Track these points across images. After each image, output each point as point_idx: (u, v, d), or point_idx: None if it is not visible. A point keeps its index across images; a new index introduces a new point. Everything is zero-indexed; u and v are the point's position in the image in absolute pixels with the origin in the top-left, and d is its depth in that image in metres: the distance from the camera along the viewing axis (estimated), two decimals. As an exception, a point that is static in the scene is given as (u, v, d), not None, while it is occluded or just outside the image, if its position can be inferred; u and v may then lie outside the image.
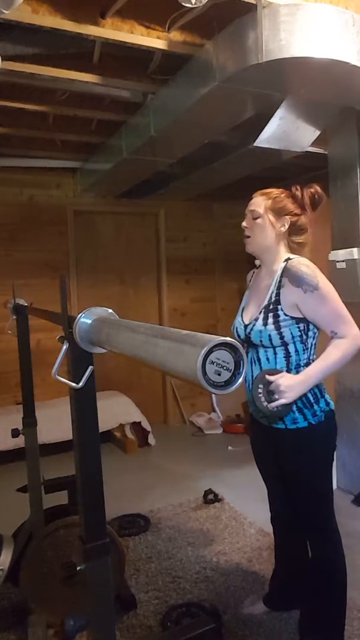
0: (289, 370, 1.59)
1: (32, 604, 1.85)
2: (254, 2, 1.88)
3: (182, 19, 2.09)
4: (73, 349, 0.89)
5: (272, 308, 1.59)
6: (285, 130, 2.69)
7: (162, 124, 2.70)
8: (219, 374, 0.57)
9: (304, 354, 1.60)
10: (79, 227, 4.50)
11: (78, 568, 0.94)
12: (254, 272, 1.86)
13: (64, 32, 2.04)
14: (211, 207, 5.06)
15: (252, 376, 1.65)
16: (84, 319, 0.88)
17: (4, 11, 1.71)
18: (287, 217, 1.66)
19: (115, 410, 4.09)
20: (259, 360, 1.64)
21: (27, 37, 2.18)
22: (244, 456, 3.79)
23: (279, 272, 1.62)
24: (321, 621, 1.73)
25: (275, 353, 1.60)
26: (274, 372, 1.56)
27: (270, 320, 1.58)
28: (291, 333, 1.57)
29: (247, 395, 1.70)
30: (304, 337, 1.59)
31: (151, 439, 4.23)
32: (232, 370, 0.58)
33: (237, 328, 1.73)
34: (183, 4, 1.79)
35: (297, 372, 1.59)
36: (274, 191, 1.69)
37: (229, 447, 4.10)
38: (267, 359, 1.62)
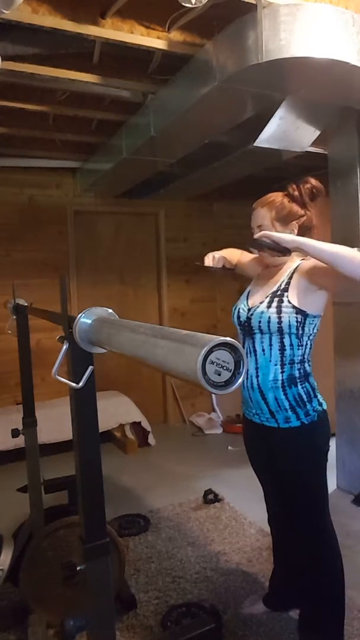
0: (282, 365, 1.60)
1: (32, 604, 1.85)
2: (254, 2, 1.88)
3: (182, 19, 2.09)
4: (73, 349, 0.89)
5: (279, 294, 1.60)
6: (285, 130, 2.69)
7: (162, 124, 2.70)
8: (219, 374, 0.57)
9: (298, 349, 1.60)
10: (79, 227, 4.50)
11: (78, 568, 0.94)
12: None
13: (64, 32, 2.04)
14: (211, 207, 5.06)
15: (248, 369, 1.65)
16: (84, 319, 0.88)
17: (4, 11, 1.71)
18: (294, 222, 1.66)
19: (115, 410, 4.09)
20: (254, 351, 1.64)
21: (27, 37, 2.18)
22: (244, 456, 3.76)
23: (292, 268, 1.64)
24: (320, 621, 1.73)
25: (270, 344, 1.60)
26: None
27: (274, 304, 1.59)
28: (289, 321, 1.57)
29: (242, 392, 1.70)
30: (300, 331, 1.58)
31: (151, 439, 4.23)
32: (232, 370, 0.58)
33: (239, 310, 1.73)
34: (183, 4, 1.79)
35: (291, 369, 1.60)
36: (275, 199, 1.68)
37: (229, 447, 4.10)
38: (263, 350, 1.62)
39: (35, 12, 1.96)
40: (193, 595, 2.12)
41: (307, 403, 1.60)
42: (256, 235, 1.55)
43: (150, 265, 4.89)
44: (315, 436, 1.63)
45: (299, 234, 1.67)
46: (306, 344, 1.62)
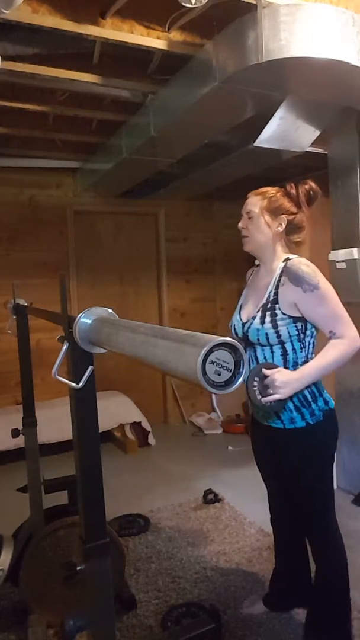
0: (286, 368, 1.59)
1: (32, 604, 1.85)
2: (254, 2, 1.88)
3: (182, 19, 2.09)
4: (73, 349, 0.89)
5: (270, 307, 1.59)
6: (285, 130, 2.69)
7: (162, 124, 2.69)
8: (219, 374, 0.57)
9: (301, 352, 1.60)
10: (79, 227, 4.50)
11: (78, 568, 0.94)
12: (252, 271, 1.85)
13: (64, 32, 2.04)
14: (211, 207, 5.06)
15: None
16: (84, 319, 0.88)
17: (4, 11, 1.71)
18: (284, 216, 1.65)
19: (115, 410, 4.09)
20: (256, 359, 1.64)
21: (27, 37, 2.18)
22: (244, 456, 3.79)
23: (278, 272, 1.62)
24: (326, 621, 1.73)
25: (272, 352, 1.60)
26: (271, 366, 1.55)
27: (268, 318, 1.58)
28: (288, 332, 1.57)
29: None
30: (302, 335, 1.59)
31: (151, 439, 4.23)
32: (232, 370, 0.58)
33: (234, 326, 1.73)
34: (183, 4, 1.79)
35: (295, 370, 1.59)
36: (269, 191, 1.69)
37: (229, 447, 4.10)
38: (265, 357, 1.62)
39: (35, 12, 1.96)
40: (193, 595, 2.12)
41: (312, 403, 1.60)
42: (268, 379, 1.52)
43: (150, 265, 4.89)
44: (321, 436, 1.63)
45: (287, 232, 1.67)
46: (309, 344, 1.62)
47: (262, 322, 1.58)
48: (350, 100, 2.47)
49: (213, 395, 4.81)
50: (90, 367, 0.89)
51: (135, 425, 4.19)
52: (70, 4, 2.01)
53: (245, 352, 1.68)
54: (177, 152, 3.18)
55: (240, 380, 0.59)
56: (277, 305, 1.58)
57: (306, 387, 1.59)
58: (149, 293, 4.89)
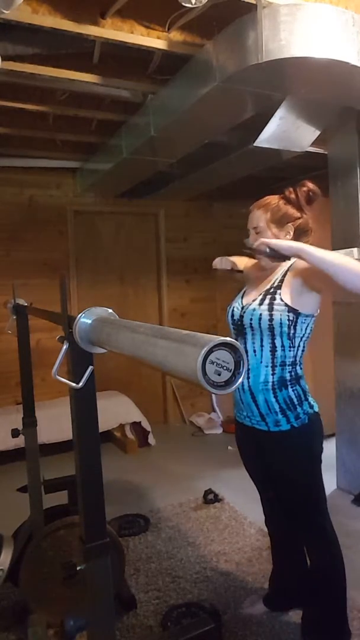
0: (273, 367, 1.59)
1: (32, 604, 1.85)
2: (254, 2, 1.88)
3: (182, 19, 2.09)
4: (73, 349, 0.89)
5: (272, 291, 1.60)
6: (285, 130, 2.69)
7: (162, 124, 2.70)
8: (219, 374, 0.57)
9: (290, 351, 1.59)
10: (79, 227, 4.50)
11: (78, 568, 0.94)
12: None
13: (64, 32, 2.04)
14: (211, 207, 5.06)
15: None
16: (84, 319, 0.88)
17: (4, 11, 1.71)
18: (290, 224, 1.66)
19: (115, 410, 4.09)
20: (245, 351, 1.63)
21: (27, 37, 2.18)
22: (244, 456, 3.79)
23: (286, 267, 1.63)
24: (323, 621, 1.73)
25: (262, 345, 1.60)
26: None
27: (266, 301, 1.59)
28: (280, 319, 1.56)
29: (234, 393, 1.69)
30: (291, 330, 1.58)
31: (151, 439, 4.23)
32: (232, 370, 0.58)
33: (233, 308, 1.73)
34: (183, 4, 1.79)
35: (282, 371, 1.59)
36: (271, 201, 1.69)
37: (229, 447, 4.09)
38: (254, 350, 1.61)
39: (35, 12, 1.96)
40: (193, 595, 2.12)
41: (297, 406, 1.59)
42: (255, 244, 1.55)
43: (150, 265, 4.89)
44: (307, 439, 1.62)
45: (294, 237, 1.67)
46: (298, 346, 1.61)
47: (260, 304, 1.59)
48: (350, 100, 2.47)
49: (213, 395, 4.81)
50: (90, 367, 0.89)
51: (135, 425, 4.19)
52: (70, 4, 2.01)
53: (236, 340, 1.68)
54: (177, 152, 3.18)
55: (240, 380, 0.59)
56: (278, 291, 1.59)
57: (292, 389, 1.59)
58: (149, 293, 4.89)
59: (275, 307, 1.57)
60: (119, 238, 4.76)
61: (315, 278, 1.53)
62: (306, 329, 1.61)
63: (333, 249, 2.92)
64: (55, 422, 3.23)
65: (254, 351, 1.62)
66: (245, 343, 1.65)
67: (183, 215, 4.93)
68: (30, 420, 2.00)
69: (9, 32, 2.13)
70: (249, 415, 1.66)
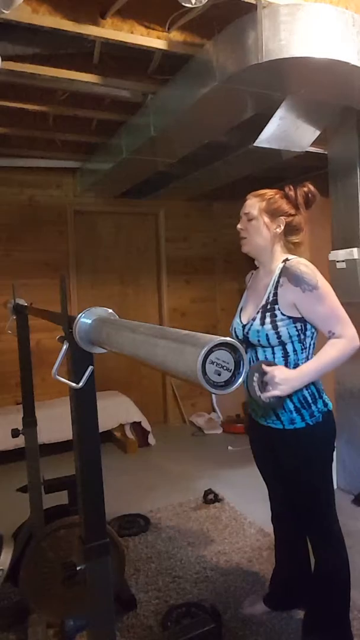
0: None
1: (32, 604, 1.85)
2: (254, 2, 1.88)
3: (182, 19, 2.09)
4: (73, 349, 0.89)
5: (270, 308, 1.59)
6: (285, 130, 2.69)
7: (162, 124, 2.70)
8: (219, 374, 0.57)
9: (302, 353, 1.60)
10: (79, 227, 4.50)
11: (78, 568, 0.94)
12: (252, 274, 1.86)
13: (64, 32, 2.04)
14: (211, 207, 5.06)
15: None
16: (84, 319, 0.88)
17: (4, 11, 1.71)
18: (282, 217, 1.66)
19: (115, 410, 4.09)
20: (257, 360, 1.64)
21: (27, 37, 2.18)
22: (244, 456, 3.78)
23: (277, 272, 1.62)
24: (326, 621, 1.73)
25: (273, 353, 1.60)
26: (271, 363, 1.56)
27: (268, 319, 1.58)
28: (288, 332, 1.57)
29: (247, 395, 1.70)
30: (302, 336, 1.59)
31: (151, 439, 4.23)
32: (232, 370, 0.58)
33: (235, 328, 1.73)
34: (183, 4, 1.79)
35: None
36: (268, 192, 1.70)
37: (229, 447, 4.10)
38: (266, 359, 1.62)
39: (35, 12, 1.96)
40: (193, 595, 2.12)
41: (311, 404, 1.60)
42: (267, 376, 1.53)
43: (150, 265, 4.89)
44: (320, 437, 1.64)
45: (285, 233, 1.68)
46: (309, 346, 1.62)
47: (262, 323, 1.59)
48: (350, 100, 2.47)
49: (213, 395, 4.81)
50: (90, 367, 0.89)
51: (135, 425, 4.19)
52: (70, 4, 2.01)
53: (247, 353, 1.69)
54: (177, 152, 3.18)
55: (240, 380, 0.58)
56: (276, 306, 1.58)
57: (306, 388, 1.59)
58: (149, 293, 4.89)
59: (279, 323, 1.57)
60: (119, 238, 4.76)
61: (304, 313, 1.58)
62: (313, 327, 1.62)
63: (333, 249, 2.93)
64: (55, 422, 3.23)
65: (266, 359, 1.62)
66: (256, 353, 1.65)
67: (183, 215, 4.93)
68: (30, 420, 2.00)
69: (9, 32, 2.13)
70: (263, 414, 1.67)
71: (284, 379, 1.51)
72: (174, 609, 2.02)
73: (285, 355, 1.59)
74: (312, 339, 1.62)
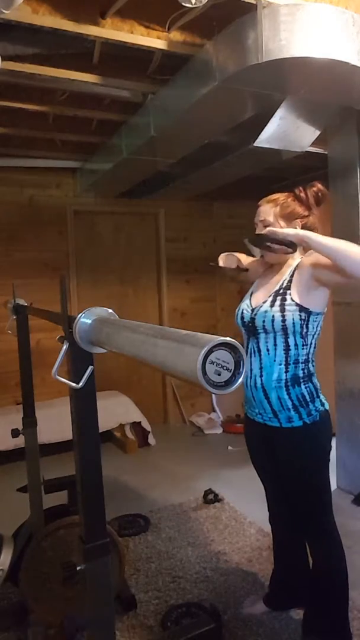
0: (287, 365, 1.60)
1: (32, 604, 1.85)
2: (254, 2, 1.88)
3: (182, 19, 2.09)
4: (73, 349, 0.89)
5: (282, 292, 1.61)
6: (285, 130, 2.69)
7: (162, 124, 2.69)
8: (219, 374, 0.57)
9: (303, 349, 1.61)
10: (79, 227, 4.50)
11: (78, 568, 0.94)
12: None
13: (64, 32, 2.04)
14: (211, 207, 5.06)
15: (252, 368, 1.66)
16: (84, 319, 0.88)
17: (4, 11, 1.71)
18: (297, 220, 1.68)
19: (115, 410, 4.09)
20: (259, 350, 1.65)
21: (27, 37, 2.18)
22: (244, 456, 3.75)
23: (293, 266, 1.65)
24: (324, 622, 1.73)
25: (275, 344, 1.61)
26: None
27: (277, 302, 1.60)
28: (293, 319, 1.57)
29: (246, 391, 1.71)
30: (304, 329, 1.59)
31: (151, 439, 4.23)
32: (232, 370, 0.58)
33: (243, 311, 1.74)
34: (183, 4, 1.79)
35: (295, 369, 1.60)
36: (280, 197, 1.71)
37: (229, 447, 4.10)
38: (267, 349, 1.62)
39: (35, 12, 1.96)
40: (193, 595, 2.12)
41: (309, 403, 1.61)
42: (263, 231, 1.57)
43: (150, 265, 4.89)
44: (318, 435, 1.64)
45: None
46: (310, 344, 1.63)
47: (272, 306, 1.61)
48: (350, 100, 2.47)
49: (213, 395, 4.81)
50: (90, 367, 0.89)
51: (135, 425, 4.19)
52: (70, 4, 2.01)
53: (249, 344, 1.69)
54: (177, 152, 3.18)
55: (240, 380, 0.59)
56: (288, 292, 1.60)
57: (305, 386, 1.60)
58: (149, 293, 4.89)
59: (286, 307, 1.58)
60: (119, 238, 4.76)
61: (320, 269, 1.55)
62: (317, 326, 1.63)
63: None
64: (55, 422, 3.23)
65: (267, 350, 1.63)
66: (257, 343, 1.66)
67: (183, 215, 4.93)
68: (30, 420, 2.00)
69: (9, 32, 2.13)
70: (260, 412, 1.68)
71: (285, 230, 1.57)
72: (174, 609, 2.02)
73: (287, 348, 1.60)
74: (313, 337, 1.63)
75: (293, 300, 1.58)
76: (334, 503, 1.70)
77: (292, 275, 1.63)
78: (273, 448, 1.71)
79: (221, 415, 4.88)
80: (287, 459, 1.68)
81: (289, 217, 1.68)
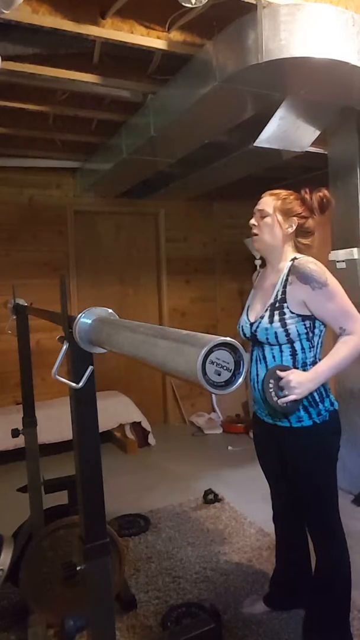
0: (295, 369, 1.60)
1: (32, 604, 1.85)
2: (254, 2, 1.88)
3: (182, 19, 2.09)
4: (73, 349, 0.89)
5: (278, 306, 1.60)
6: (285, 130, 2.69)
7: (162, 124, 2.69)
8: (219, 374, 0.57)
9: (310, 352, 1.61)
10: (79, 227, 4.50)
11: (78, 568, 0.94)
12: (259, 272, 1.87)
13: (64, 32, 2.04)
14: (211, 207, 5.06)
15: (257, 374, 1.66)
16: (84, 319, 0.88)
17: (4, 11, 1.71)
18: (295, 218, 1.67)
19: (115, 410, 4.09)
20: (264, 358, 1.64)
21: (27, 37, 2.18)
22: (244, 456, 3.79)
23: (285, 271, 1.63)
24: (326, 621, 1.73)
25: (281, 351, 1.61)
26: (285, 367, 1.56)
27: (276, 317, 1.59)
28: (297, 330, 1.58)
29: (254, 394, 1.70)
30: (310, 334, 1.60)
31: (151, 439, 4.23)
32: (232, 370, 0.58)
33: (242, 327, 1.74)
34: (183, 4, 1.79)
35: (304, 371, 1.60)
36: (284, 192, 1.71)
37: (229, 447, 4.10)
38: (273, 357, 1.62)
39: (35, 12, 1.96)
40: (193, 595, 2.12)
41: (319, 403, 1.61)
42: (283, 380, 1.53)
43: (150, 265, 4.89)
44: (327, 435, 1.65)
45: (297, 234, 1.69)
46: (317, 344, 1.63)
47: (271, 321, 1.60)
48: (350, 100, 2.47)
49: (213, 395, 4.81)
50: (90, 367, 0.89)
51: (135, 425, 4.19)
52: (70, 4, 2.01)
53: (253, 352, 1.69)
54: (177, 152, 3.18)
55: (241, 380, 0.58)
56: (285, 304, 1.59)
57: (318, 386, 1.60)
58: (149, 293, 4.89)
59: (287, 321, 1.58)
60: (119, 238, 4.76)
61: (313, 310, 1.58)
62: (322, 326, 1.63)
63: (333, 249, 2.93)
64: (55, 422, 3.23)
65: (273, 357, 1.63)
66: (263, 351, 1.65)
67: (183, 215, 4.93)
68: (30, 420, 2.00)
69: (9, 32, 2.13)
70: (279, 417, 1.67)
71: (300, 382, 1.51)
72: (174, 609, 2.02)
73: (294, 353, 1.60)
74: (320, 337, 1.63)
75: (293, 312, 1.58)
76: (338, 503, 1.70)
77: (285, 281, 1.61)
78: (281, 447, 1.71)
79: (221, 415, 4.88)
80: (296, 458, 1.68)
81: (287, 213, 1.67)
